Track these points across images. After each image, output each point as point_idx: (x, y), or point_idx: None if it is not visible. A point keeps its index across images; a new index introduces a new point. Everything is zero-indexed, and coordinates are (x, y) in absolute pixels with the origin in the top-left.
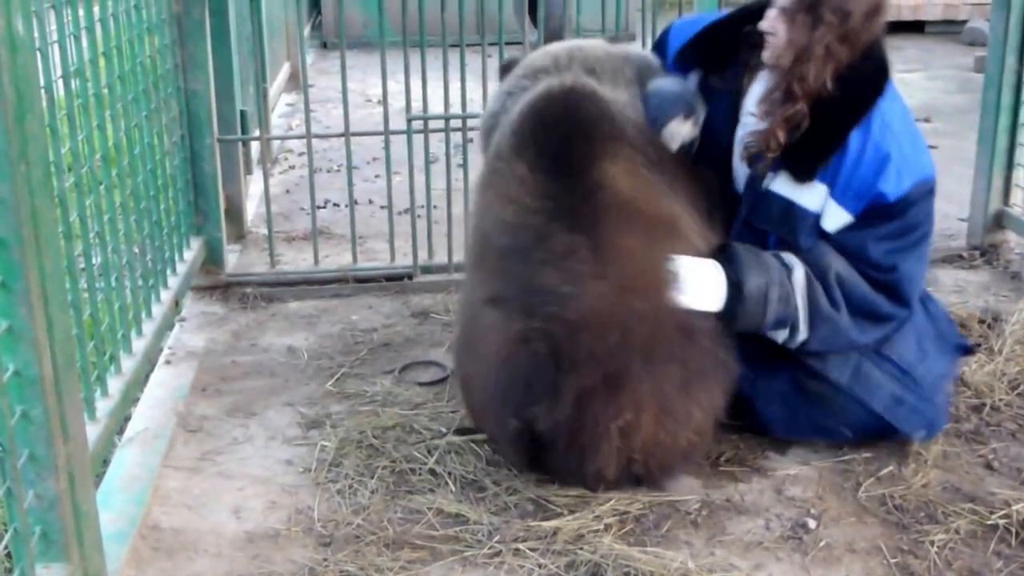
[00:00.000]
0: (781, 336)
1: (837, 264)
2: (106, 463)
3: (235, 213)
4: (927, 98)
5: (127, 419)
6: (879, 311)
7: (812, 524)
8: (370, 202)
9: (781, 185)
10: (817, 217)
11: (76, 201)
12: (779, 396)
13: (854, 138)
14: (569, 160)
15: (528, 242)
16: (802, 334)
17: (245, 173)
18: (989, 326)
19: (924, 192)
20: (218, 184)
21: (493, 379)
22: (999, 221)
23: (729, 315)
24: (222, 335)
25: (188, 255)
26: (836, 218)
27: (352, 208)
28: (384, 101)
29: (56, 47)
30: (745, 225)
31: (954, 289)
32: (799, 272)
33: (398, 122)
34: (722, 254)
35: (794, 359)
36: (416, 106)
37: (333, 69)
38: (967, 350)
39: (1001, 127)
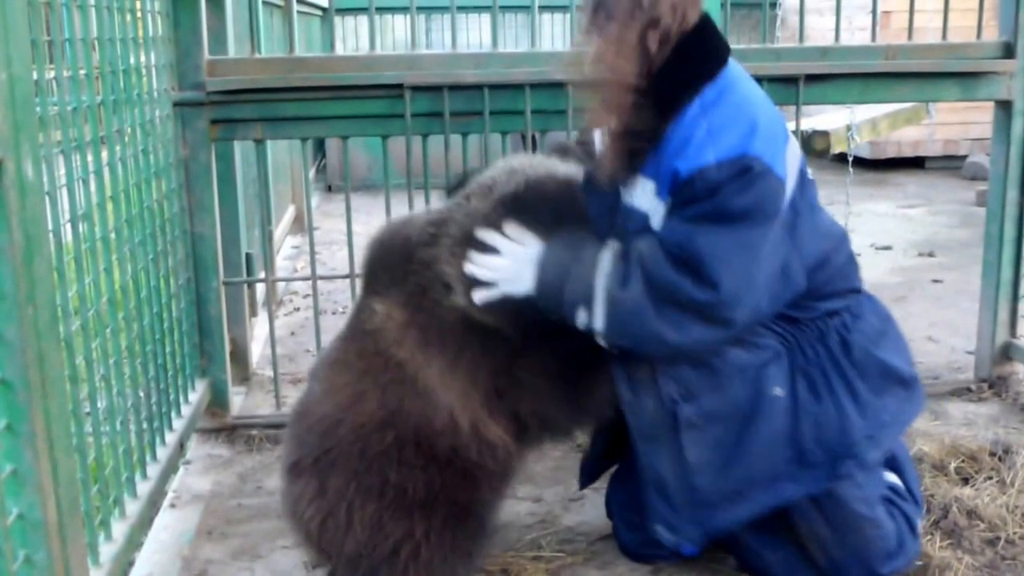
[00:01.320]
0: (580, 319)
1: (642, 244)
2: None
3: (240, 355)
4: (930, 233)
5: (131, 564)
6: (685, 295)
7: None
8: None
9: (628, 196)
10: (645, 216)
11: (82, 344)
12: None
13: (669, 131)
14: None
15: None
16: (596, 316)
17: (250, 315)
18: (1000, 458)
19: (736, 171)
20: (223, 326)
21: None
22: (1007, 353)
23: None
24: (228, 478)
25: (193, 397)
26: (658, 212)
27: None
28: None
29: (64, 191)
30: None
31: (963, 422)
32: (606, 253)
33: None
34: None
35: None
36: None
37: (338, 211)
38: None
39: (1005, 259)
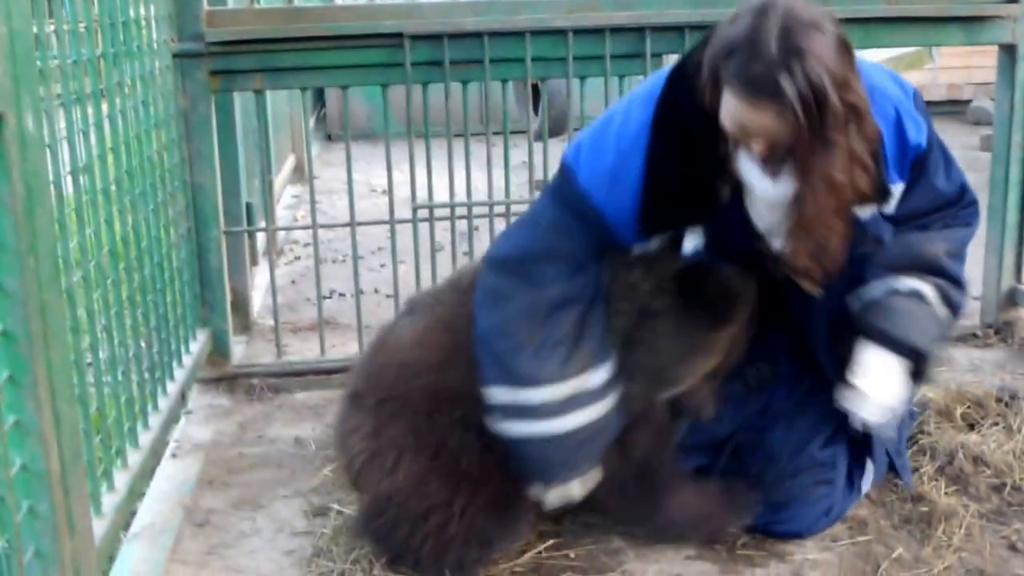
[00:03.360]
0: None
1: (937, 245)
2: (112, 559)
3: (241, 305)
4: None
5: (133, 514)
6: (972, 236)
7: None
8: (376, 291)
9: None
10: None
11: (84, 295)
12: None
13: None
14: None
15: None
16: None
17: (251, 265)
18: (1007, 404)
19: (922, 103)
20: (224, 276)
21: None
22: (1012, 298)
23: (922, 378)
24: (229, 427)
25: (194, 347)
26: (896, 191)
27: (358, 298)
28: (389, 191)
29: (65, 143)
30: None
31: (969, 368)
32: (927, 290)
33: (403, 211)
34: (877, 335)
35: None
36: (421, 195)
37: (338, 160)
38: None
39: (1011, 204)
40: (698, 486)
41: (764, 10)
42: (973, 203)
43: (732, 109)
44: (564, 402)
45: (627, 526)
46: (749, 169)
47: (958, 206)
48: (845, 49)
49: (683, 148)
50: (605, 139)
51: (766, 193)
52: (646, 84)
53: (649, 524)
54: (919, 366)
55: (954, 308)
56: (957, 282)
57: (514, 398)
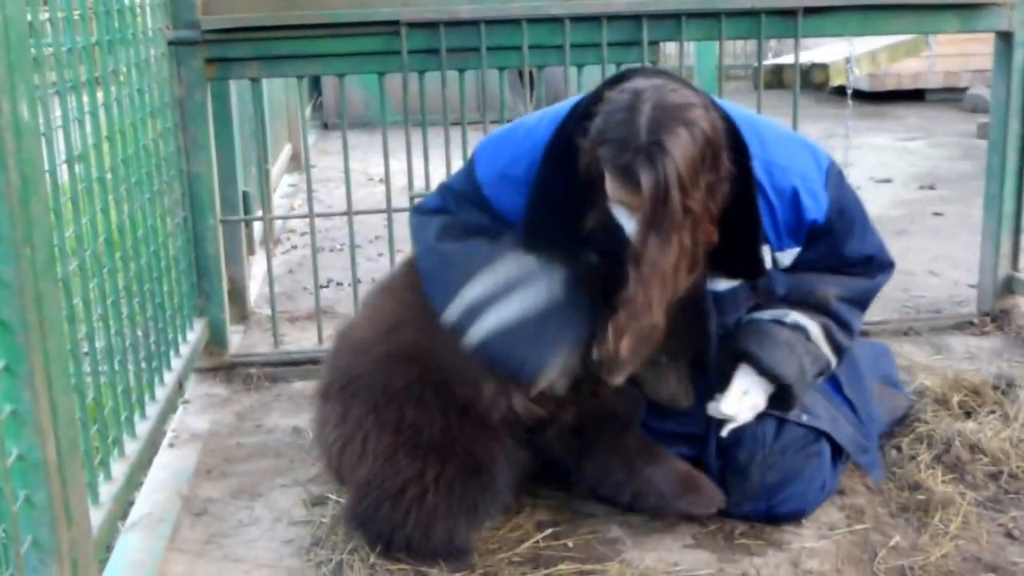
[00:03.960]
0: (820, 380)
1: (830, 288)
2: (109, 549)
3: (238, 294)
4: (931, 166)
5: (131, 503)
6: (878, 290)
7: None
8: (373, 280)
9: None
10: (772, 271)
11: (80, 284)
12: None
13: (761, 204)
14: None
15: None
16: (834, 367)
17: (248, 254)
18: (1003, 392)
19: (835, 180)
20: (221, 265)
21: None
22: (1009, 286)
23: (782, 404)
24: (226, 416)
25: (191, 337)
26: (789, 256)
27: (356, 287)
28: (386, 180)
29: (60, 132)
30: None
31: (966, 356)
32: (813, 328)
33: (400, 200)
34: (745, 358)
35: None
36: (418, 184)
37: (334, 149)
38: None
39: (1007, 192)
40: (675, 460)
41: (638, 98)
42: (883, 267)
43: (610, 187)
44: (503, 285)
45: (606, 494)
46: (626, 221)
47: (863, 268)
48: (711, 140)
49: (564, 182)
50: (508, 142)
51: None
52: (564, 104)
53: (626, 491)
54: (783, 394)
55: (839, 350)
56: (847, 326)
57: (461, 305)
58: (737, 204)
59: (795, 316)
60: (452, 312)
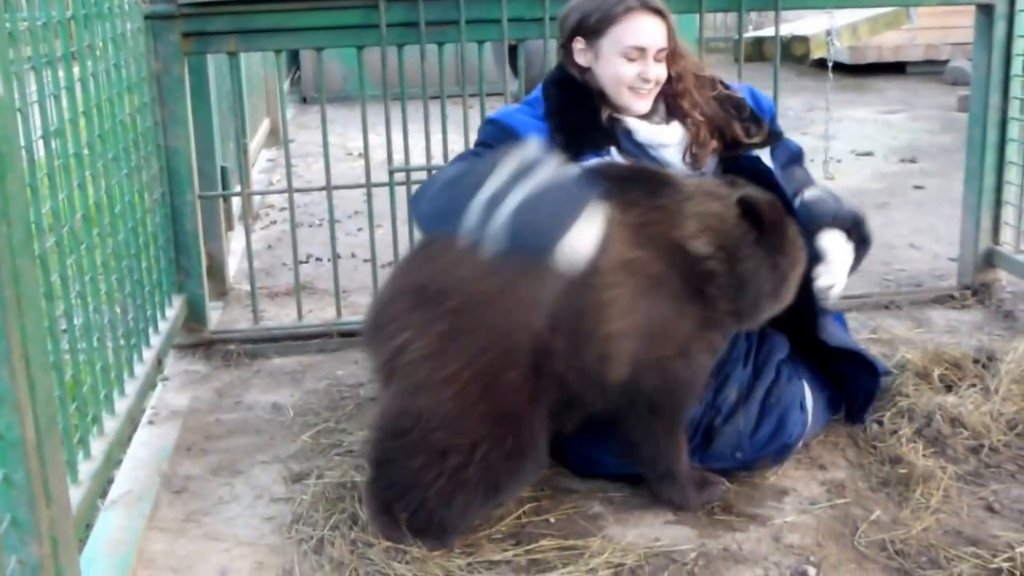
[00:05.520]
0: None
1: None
2: (89, 527)
3: (217, 270)
4: (911, 139)
5: (110, 481)
6: None
7: (812, 572)
8: (353, 256)
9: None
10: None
11: (57, 261)
12: None
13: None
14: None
15: None
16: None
17: (226, 229)
18: (984, 366)
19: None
20: (199, 241)
21: None
22: (990, 260)
23: (863, 243)
24: (206, 393)
25: (170, 313)
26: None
27: (335, 262)
28: (365, 154)
29: (36, 107)
30: None
31: (946, 329)
32: (825, 193)
33: (380, 174)
34: (826, 220)
35: None
36: (398, 158)
37: (313, 123)
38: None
39: (987, 165)
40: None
41: None
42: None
43: (639, 27)
44: (514, 174)
45: (634, 460)
46: (643, 128)
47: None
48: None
49: (569, 99)
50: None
51: (654, 137)
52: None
53: (658, 468)
54: (860, 231)
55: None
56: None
57: (483, 200)
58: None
59: (809, 192)
60: (472, 217)
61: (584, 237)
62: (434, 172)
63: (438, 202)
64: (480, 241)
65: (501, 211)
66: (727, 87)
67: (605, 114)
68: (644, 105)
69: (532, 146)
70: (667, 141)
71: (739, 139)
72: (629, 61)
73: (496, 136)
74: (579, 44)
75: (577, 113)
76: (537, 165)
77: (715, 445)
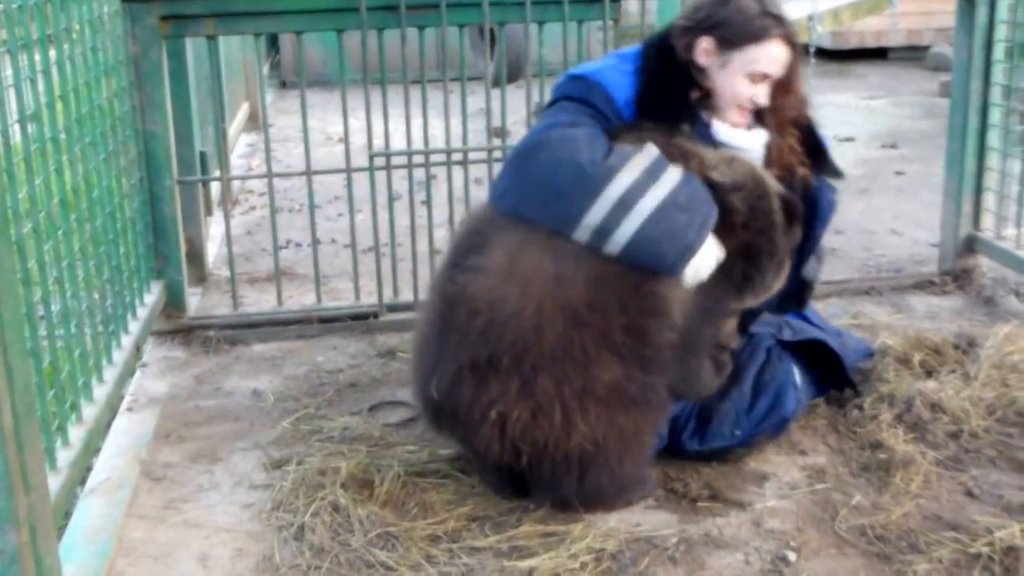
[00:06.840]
0: None
1: None
2: (68, 515)
3: (196, 255)
4: (893, 124)
5: (89, 469)
6: None
7: (792, 557)
8: (333, 241)
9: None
10: None
11: (34, 247)
12: None
13: None
14: None
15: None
16: None
17: (205, 215)
18: (964, 351)
19: None
20: (178, 226)
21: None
22: (970, 246)
23: None
24: (185, 380)
25: (149, 299)
26: None
27: (315, 248)
28: (346, 138)
29: (12, 91)
30: None
31: (927, 315)
32: None
33: (360, 159)
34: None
35: None
36: (378, 143)
37: (292, 108)
38: None
39: (968, 151)
40: None
41: None
42: None
43: (776, 55)
44: (644, 173)
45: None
46: (725, 129)
47: None
48: None
49: (667, 69)
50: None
51: (735, 139)
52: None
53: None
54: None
55: None
56: None
57: (607, 202)
58: None
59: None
60: (594, 216)
61: (709, 259)
62: (523, 135)
63: (552, 180)
64: (601, 239)
65: (632, 217)
66: (815, 133)
67: (695, 95)
68: (742, 121)
69: (652, 149)
70: (747, 145)
71: (806, 178)
72: (752, 82)
73: (583, 92)
74: (706, 44)
75: (670, 83)
76: (662, 170)
77: (713, 425)
